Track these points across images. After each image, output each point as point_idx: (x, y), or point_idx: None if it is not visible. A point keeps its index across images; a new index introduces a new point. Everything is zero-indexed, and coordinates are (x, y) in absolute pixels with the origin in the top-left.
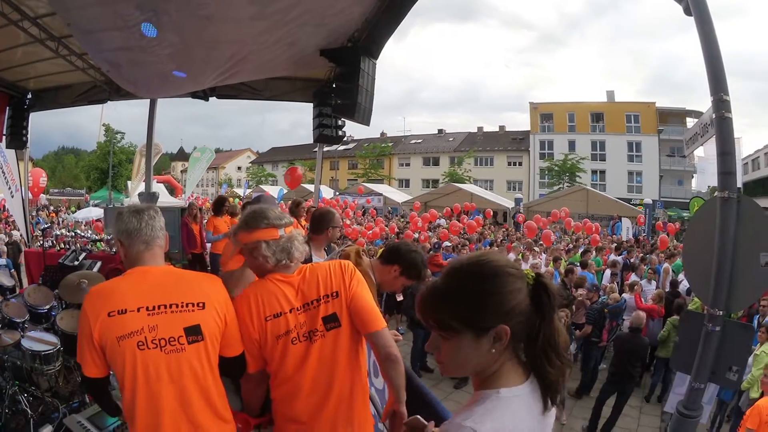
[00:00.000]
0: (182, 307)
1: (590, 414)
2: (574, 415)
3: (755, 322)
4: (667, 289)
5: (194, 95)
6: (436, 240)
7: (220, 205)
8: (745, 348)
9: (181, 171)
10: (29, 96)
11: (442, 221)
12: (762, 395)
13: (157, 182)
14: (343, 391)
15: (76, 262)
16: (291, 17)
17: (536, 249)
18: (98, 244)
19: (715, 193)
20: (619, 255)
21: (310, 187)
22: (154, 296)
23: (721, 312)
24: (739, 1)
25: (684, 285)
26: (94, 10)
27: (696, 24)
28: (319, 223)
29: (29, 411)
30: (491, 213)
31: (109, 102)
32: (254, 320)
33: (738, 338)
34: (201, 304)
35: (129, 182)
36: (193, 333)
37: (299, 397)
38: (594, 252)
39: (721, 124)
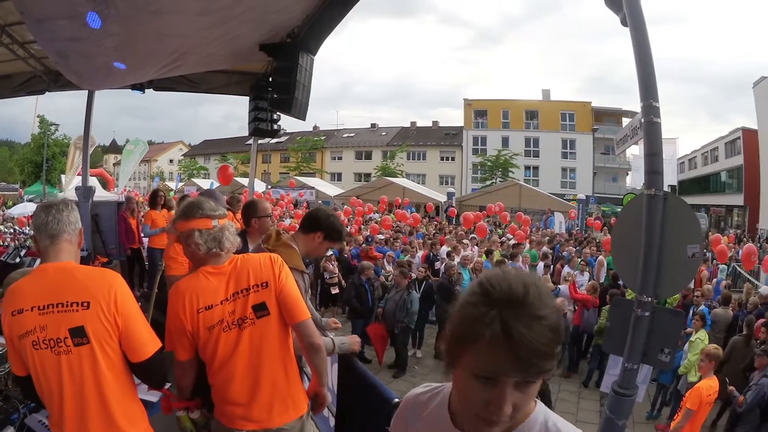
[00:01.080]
0: (67, 306)
1: None
2: None
3: (690, 311)
4: (601, 281)
5: (133, 87)
6: (368, 233)
7: (156, 198)
8: (676, 331)
9: (114, 164)
10: None
11: (376, 215)
12: (700, 378)
13: (91, 175)
14: (276, 375)
15: (18, 259)
16: (235, 13)
17: (466, 242)
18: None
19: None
20: (551, 248)
21: (244, 181)
22: (46, 295)
23: (649, 298)
24: (681, 8)
25: None
26: None
27: (631, 34)
28: (244, 216)
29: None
30: (432, 207)
31: (46, 93)
32: (187, 313)
33: (668, 323)
34: (85, 304)
35: (63, 176)
36: (78, 335)
37: (234, 381)
38: (528, 245)
39: (649, 128)
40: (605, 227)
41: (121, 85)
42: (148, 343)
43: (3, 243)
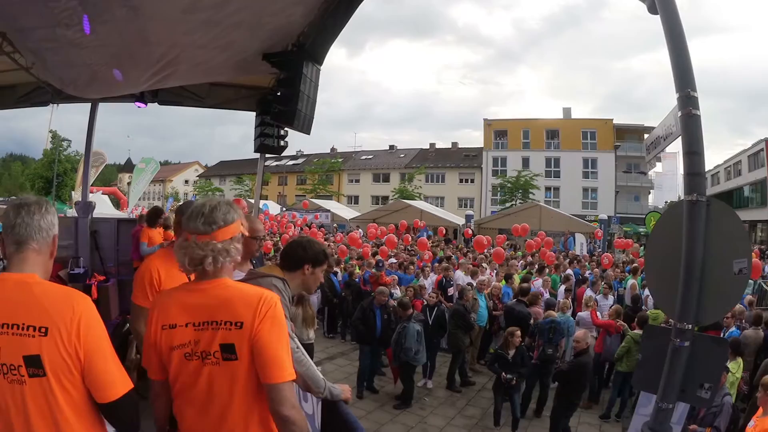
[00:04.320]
0: (23, 329)
1: None
2: None
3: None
4: (630, 304)
5: (135, 100)
6: (377, 258)
7: (156, 217)
8: (720, 363)
9: (128, 183)
10: None
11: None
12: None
13: (103, 193)
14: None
15: None
16: (225, 13)
17: (484, 265)
18: None
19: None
20: (572, 270)
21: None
22: (3, 311)
23: (690, 326)
24: (701, 20)
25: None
26: None
27: (661, 19)
28: None
29: None
30: (443, 231)
31: (54, 105)
32: (154, 325)
33: (710, 353)
34: (43, 330)
35: (73, 192)
36: (33, 365)
37: (189, 414)
38: (551, 269)
39: (688, 122)
40: (643, 246)
41: (113, 94)
42: (117, 383)
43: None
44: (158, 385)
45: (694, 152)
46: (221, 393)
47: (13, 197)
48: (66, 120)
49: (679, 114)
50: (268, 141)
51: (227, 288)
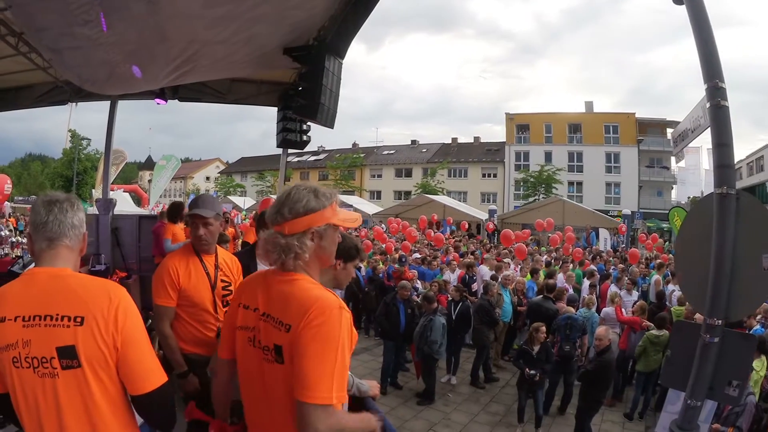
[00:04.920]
0: (57, 320)
1: None
2: None
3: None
4: (654, 301)
5: (154, 96)
6: (401, 253)
7: (177, 212)
8: (747, 360)
9: (149, 180)
10: None
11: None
12: None
13: (124, 191)
14: None
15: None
16: (245, 8)
17: (507, 260)
18: None
19: (712, 191)
20: (595, 265)
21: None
22: (33, 304)
23: (720, 321)
24: (722, 12)
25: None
26: None
27: (687, 7)
28: (256, 228)
29: None
30: (466, 226)
31: (73, 104)
32: (235, 299)
33: (738, 350)
34: (79, 319)
35: (93, 190)
36: (67, 356)
37: (246, 404)
38: (574, 264)
39: (716, 114)
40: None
41: (132, 90)
42: (152, 374)
43: (20, 253)
44: (221, 362)
45: (723, 144)
46: (274, 392)
47: (33, 196)
48: (84, 119)
49: (708, 105)
50: (290, 136)
51: (293, 285)
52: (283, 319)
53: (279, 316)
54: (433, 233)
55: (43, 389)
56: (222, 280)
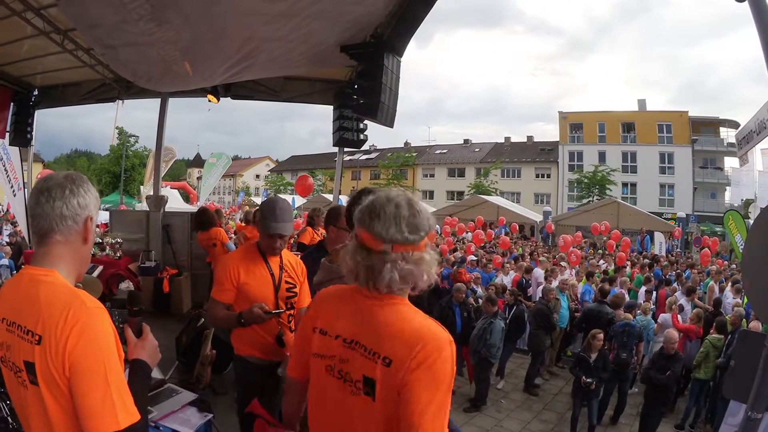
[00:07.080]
0: (24, 333)
1: None
2: None
3: None
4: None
5: (207, 94)
6: (461, 255)
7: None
8: None
9: (197, 178)
10: (35, 92)
11: (468, 235)
12: None
13: (171, 188)
14: None
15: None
16: (304, 4)
17: (564, 264)
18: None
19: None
20: (652, 271)
21: (329, 197)
22: (12, 309)
23: None
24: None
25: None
26: None
27: (749, 3)
28: (325, 223)
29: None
30: (516, 228)
31: (120, 101)
32: (308, 321)
33: None
34: (37, 338)
35: (141, 187)
36: (31, 371)
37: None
38: (629, 268)
39: None
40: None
41: (187, 88)
42: (103, 416)
43: None
44: (292, 382)
45: None
46: (357, 427)
47: None
48: (130, 117)
49: None
50: (347, 135)
51: (393, 312)
52: (380, 351)
53: (372, 346)
54: (492, 235)
55: (18, 396)
56: (286, 281)
